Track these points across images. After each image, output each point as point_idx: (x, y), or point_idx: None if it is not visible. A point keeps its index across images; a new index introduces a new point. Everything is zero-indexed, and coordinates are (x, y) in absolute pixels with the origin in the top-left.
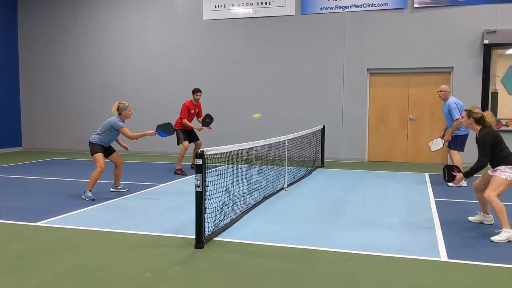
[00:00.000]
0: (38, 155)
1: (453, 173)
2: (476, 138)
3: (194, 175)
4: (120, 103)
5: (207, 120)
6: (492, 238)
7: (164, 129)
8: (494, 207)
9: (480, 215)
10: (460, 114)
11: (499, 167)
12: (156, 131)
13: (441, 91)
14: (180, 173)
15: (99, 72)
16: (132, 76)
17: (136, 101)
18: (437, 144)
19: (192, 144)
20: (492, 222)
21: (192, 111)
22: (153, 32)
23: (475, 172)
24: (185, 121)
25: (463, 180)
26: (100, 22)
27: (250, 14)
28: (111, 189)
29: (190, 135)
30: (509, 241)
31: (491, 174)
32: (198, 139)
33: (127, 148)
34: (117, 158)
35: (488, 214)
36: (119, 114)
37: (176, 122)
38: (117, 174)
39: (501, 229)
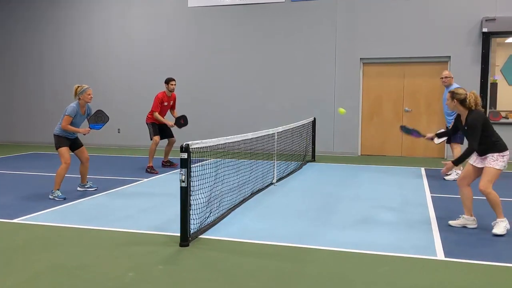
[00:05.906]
0: (15, 148)
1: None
2: (465, 122)
3: (179, 170)
4: (78, 87)
5: (181, 122)
6: (494, 231)
7: (96, 119)
8: (492, 199)
9: (462, 219)
10: None
11: (490, 155)
12: (89, 126)
13: (446, 77)
14: (150, 171)
15: (79, 61)
16: (114, 65)
17: (117, 92)
18: None
19: (165, 140)
20: (476, 225)
21: (165, 104)
22: (136, 19)
23: (466, 158)
24: (156, 114)
25: (454, 169)
26: (80, 9)
27: (237, 1)
28: (78, 189)
29: (163, 130)
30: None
31: (476, 165)
32: (173, 136)
33: (85, 133)
34: (82, 154)
35: (472, 216)
36: (78, 98)
37: (147, 116)
38: (83, 171)
39: (495, 220)
